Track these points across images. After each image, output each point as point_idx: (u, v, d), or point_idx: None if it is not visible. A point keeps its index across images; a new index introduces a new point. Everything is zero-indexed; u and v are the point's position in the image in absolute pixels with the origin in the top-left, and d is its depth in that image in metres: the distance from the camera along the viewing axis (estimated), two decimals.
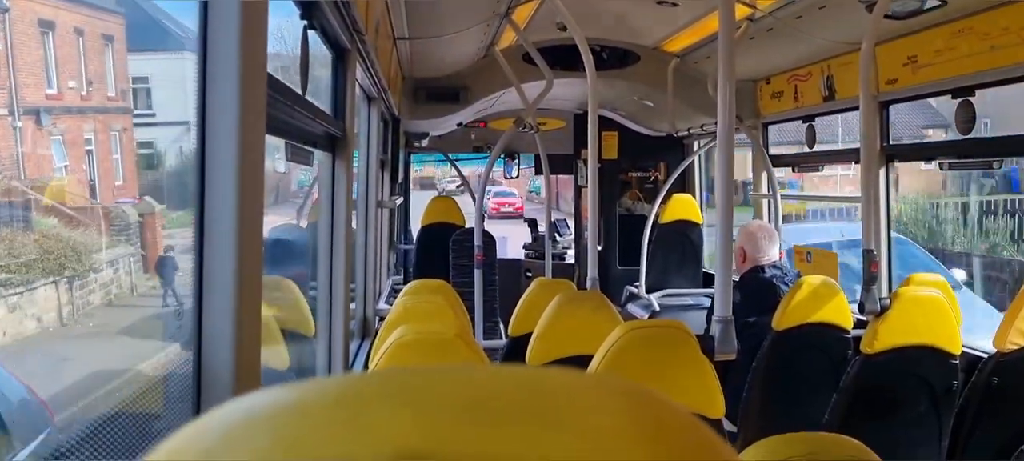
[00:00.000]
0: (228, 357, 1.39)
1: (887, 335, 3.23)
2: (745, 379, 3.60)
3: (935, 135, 11.91)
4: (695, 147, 6.97)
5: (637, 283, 6.42)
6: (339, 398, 0.33)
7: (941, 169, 4.07)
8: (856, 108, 3.66)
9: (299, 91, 2.30)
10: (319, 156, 3.07)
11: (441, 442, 0.31)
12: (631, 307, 6.25)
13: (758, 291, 4.12)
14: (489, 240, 5.55)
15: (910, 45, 3.89)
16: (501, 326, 5.73)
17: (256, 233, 1.47)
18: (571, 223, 8.98)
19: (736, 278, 4.20)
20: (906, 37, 3.89)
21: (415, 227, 7.66)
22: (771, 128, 5.87)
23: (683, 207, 6.68)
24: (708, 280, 6.41)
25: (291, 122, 2.24)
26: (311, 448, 0.31)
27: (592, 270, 4.01)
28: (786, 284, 4.05)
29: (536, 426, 0.32)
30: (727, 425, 3.50)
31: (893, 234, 4.58)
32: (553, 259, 6.40)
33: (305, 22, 2.42)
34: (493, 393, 0.34)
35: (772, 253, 4.31)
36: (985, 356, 3.20)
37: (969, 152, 3.85)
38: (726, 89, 2.69)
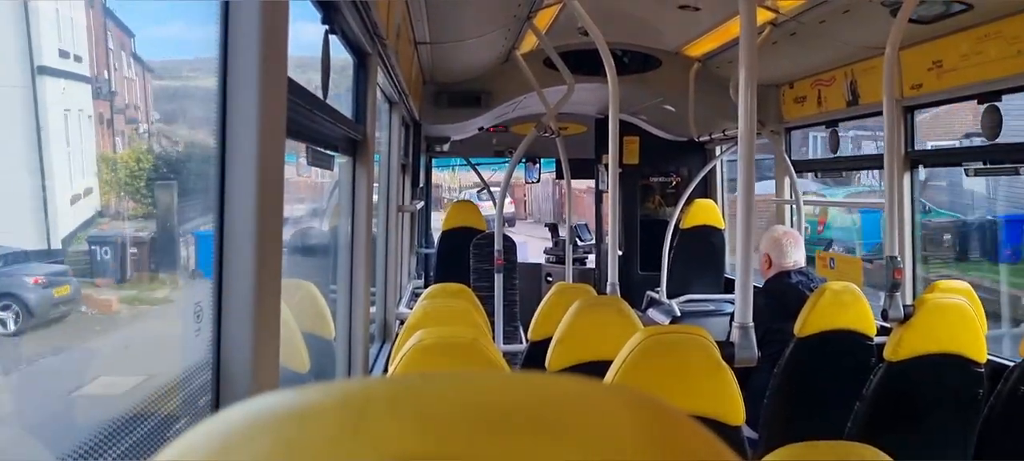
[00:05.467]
0: (247, 359, 1.39)
1: (911, 342, 3.19)
2: (767, 386, 3.57)
3: None
4: (717, 152, 6.93)
5: (658, 288, 6.39)
6: (342, 403, 0.33)
7: (967, 175, 4.02)
8: (880, 113, 3.61)
9: (320, 95, 2.31)
10: (340, 160, 3.08)
11: (443, 449, 0.30)
12: (652, 312, 6.22)
13: (784, 297, 4.08)
14: (509, 244, 5.55)
15: (935, 49, 3.85)
16: (521, 330, 5.72)
17: (276, 236, 1.48)
18: (592, 228, 8.96)
19: (761, 284, 4.17)
20: (931, 41, 3.85)
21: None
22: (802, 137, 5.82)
23: (705, 212, 6.64)
24: (730, 286, 6.36)
25: (311, 126, 2.25)
26: (312, 453, 0.31)
27: (612, 275, 3.99)
28: (811, 290, 4.01)
29: (540, 434, 0.31)
30: (748, 432, 3.47)
31: None
32: (574, 264, 6.38)
33: (326, 27, 2.44)
34: (498, 400, 0.33)
35: (798, 258, 4.27)
36: (1011, 364, 3.16)
37: (997, 157, 3.79)
38: (747, 94, 2.66)
